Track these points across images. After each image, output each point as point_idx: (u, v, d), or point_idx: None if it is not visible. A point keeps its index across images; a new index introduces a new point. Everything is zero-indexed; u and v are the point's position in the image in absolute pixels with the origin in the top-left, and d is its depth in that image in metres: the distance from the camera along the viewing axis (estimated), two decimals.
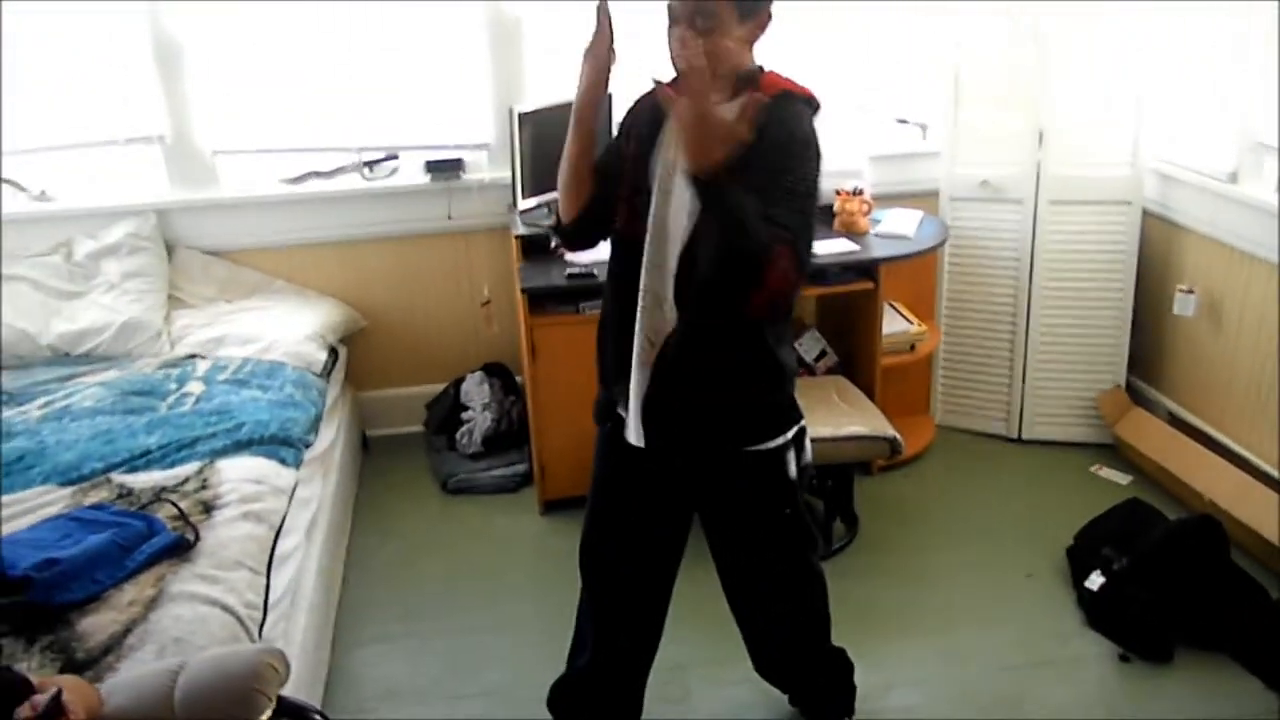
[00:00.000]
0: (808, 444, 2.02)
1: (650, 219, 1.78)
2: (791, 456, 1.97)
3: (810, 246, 1.74)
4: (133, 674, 1.74)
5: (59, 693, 1.41)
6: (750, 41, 1.79)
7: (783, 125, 1.74)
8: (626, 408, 1.89)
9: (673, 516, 2.08)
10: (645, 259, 1.79)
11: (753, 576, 2.14)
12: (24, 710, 1.38)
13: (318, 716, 1.79)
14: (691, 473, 1.98)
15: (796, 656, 2.28)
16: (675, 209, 1.76)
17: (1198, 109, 3.34)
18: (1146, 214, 3.46)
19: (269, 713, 1.61)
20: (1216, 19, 3.19)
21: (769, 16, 1.79)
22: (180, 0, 3.31)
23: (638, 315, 1.82)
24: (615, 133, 1.97)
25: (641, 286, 1.80)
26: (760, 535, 2.06)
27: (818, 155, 1.76)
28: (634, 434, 1.88)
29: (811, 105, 1.82)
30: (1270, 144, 3.01)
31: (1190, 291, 3.32)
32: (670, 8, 1.73)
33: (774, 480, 1.97)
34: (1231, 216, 3.17)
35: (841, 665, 2.33)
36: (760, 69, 1.83)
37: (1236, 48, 3.10)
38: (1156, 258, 3.52)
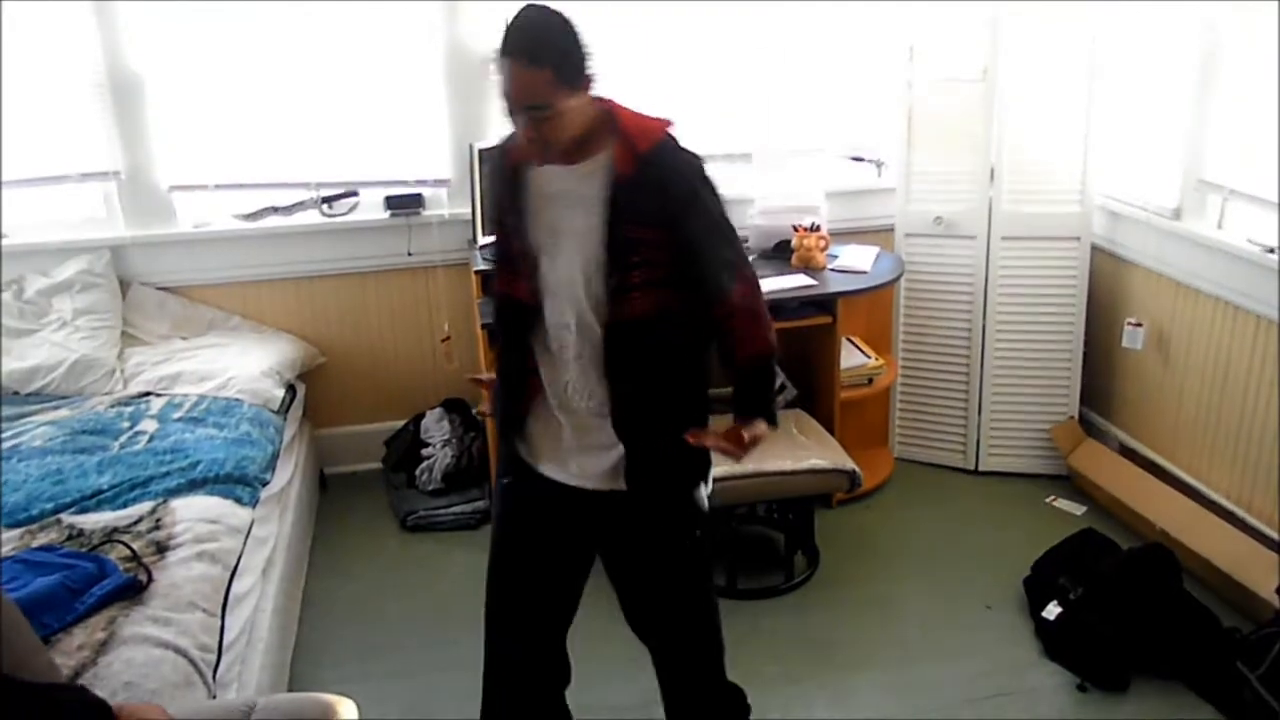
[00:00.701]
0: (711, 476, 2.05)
1: (542, 282, 1.83)
2: (702, 490, 2.00)
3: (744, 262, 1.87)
4: (202, 705, 1.73)
5: None
6: (588, 96, 1.74)
7: (680, 175, 1.79)
8: (532, 454, 1.94)
9: (579, 558, 2.07)
10: (548, 319, 1.84)
11: (660, 609, 2.11)
12: None
13: None
14: (605, 511, 1.97)
15: (697, 690, 2.23)
16: (566, 273, 1.80)
17: (1143, 147, 3.44)
18: (1095, 249, 3.54)
19: None
20: (1159, 59, 3.30)
21: (594, 78, 1.75)
22: (135, 29, 3.29)
23: (549, 367, 1.87)
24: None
25: (553, 343, 1.85)
26: (668, 569, 2.05)
27: (712, 182, 1.83)
28: (567, 475, 1.91)
29: (674, 140, 1.84)
30: (1213, 181, 3.10)
31: (1139, 325, 3.40)
32: (505, 98, 1.71)
33: (687, 514, 1.99)
34: (1176, 251, 3.26)
35: (738, 701, 2.23)
36: (610, 112, 1.79)
37: (1178, 87, 3.20)
38: (1106, 292, 3.60)
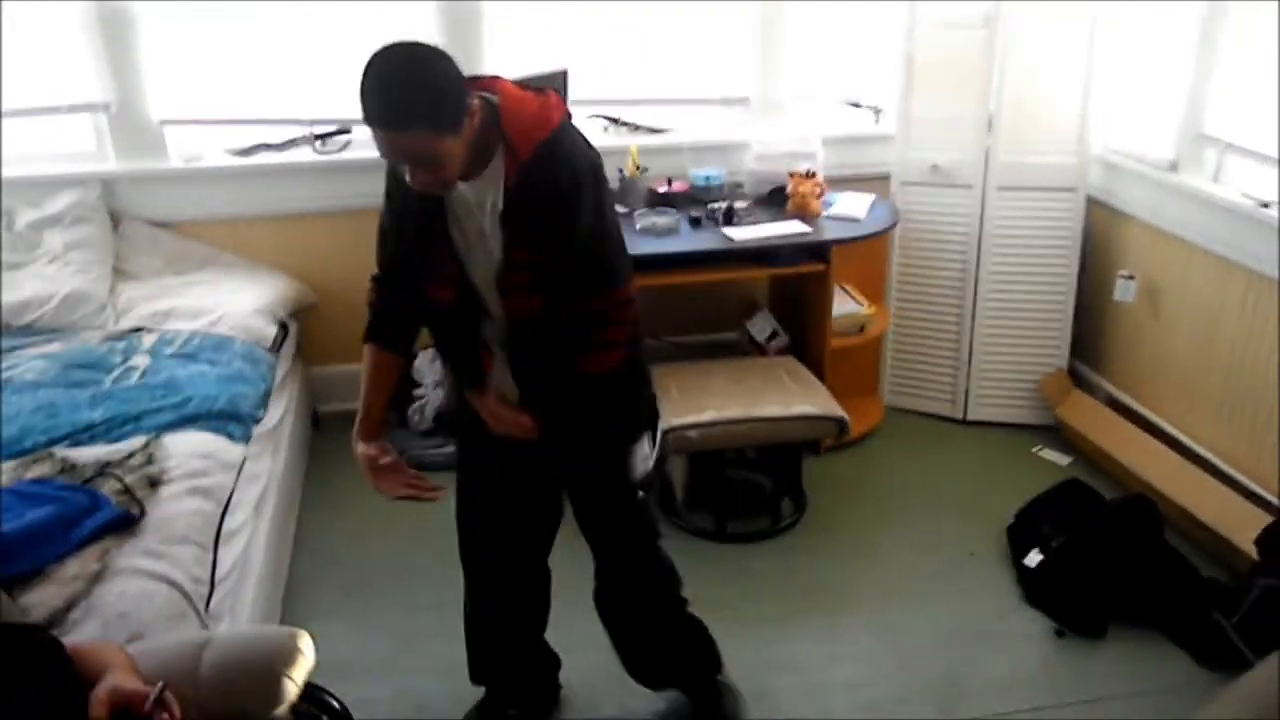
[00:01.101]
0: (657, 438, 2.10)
1: (473, 280, 1.85)
2: (639, 452, 2.03)
3: (621, 269, 1.87)
4: (158, 644, 1.73)
5: (163, 690, 1.37)
6: (473, 126, 1.67)
7: (556, 185, 1.72)
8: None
9: (545, 498, 2.17)
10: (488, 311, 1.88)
11: (604, 555, 2.19)
12: (99, 709, 1.34)
13: (335, 702, 1.77)
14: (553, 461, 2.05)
15: (651, 640, 2.30)
16: (483, 276, 1.83)
17: (1141, 99, 3.41)
18: (1091, 201, 3.54)
19: (295, 695, 1.60)
20: (1163, 10, 3.26)
21: (469, 101, 1.66)
22: None
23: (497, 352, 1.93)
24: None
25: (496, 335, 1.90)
26: (610, 520, 2.13)
27: (595, 182, 1.77)
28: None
29: (563, 131, 1.76)
30: (1211, 135, 3.09)
31: (1131, 277, 3.41)
32: (385, 157, 1.66)
33: (620, 479, 2.05)
34: (1171, 205, 3.25)
35: (696, 630, 2.32)
36: (496, 111, 1.73)
37: (1178, 39, 3.17)
38: (1099, 244, 3.60)
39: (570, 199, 1.73)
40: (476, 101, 1.68)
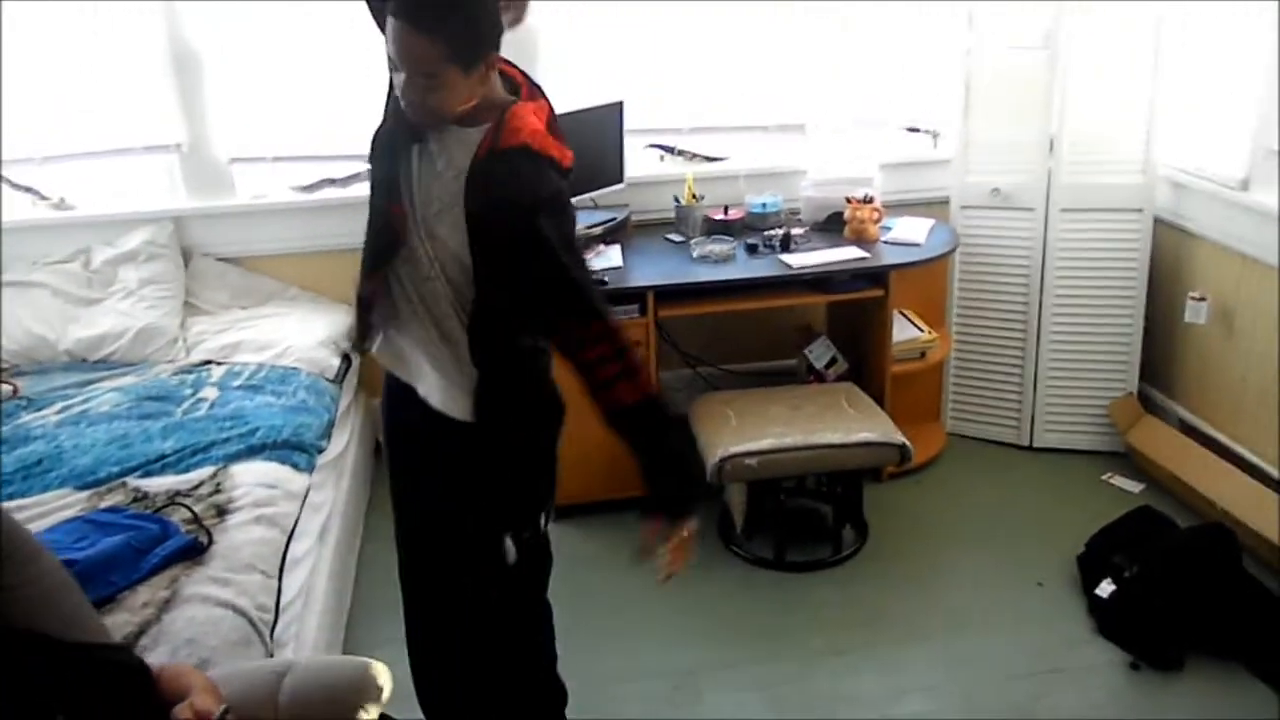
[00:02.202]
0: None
1: (420, 233, 1.77)
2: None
3: (594, 298, 1.73)
4: (240, 667, 1.77)
5: (226, 713, 1.40)
6: (485, 79, 1.65)
7: (507, 196, 1.65)
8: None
9: None
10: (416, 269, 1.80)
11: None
12: (185, 712, 1.37)
13: None
14: None
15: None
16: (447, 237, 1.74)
17: (1209, 116, 3.34)
18: (1158, 221, 3.46)
19: None
20: (1228, 24, 3.19)
21: (496, 50, 1.65)
22: (197, 4, 3.35)
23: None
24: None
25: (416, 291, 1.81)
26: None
27: (557, 210, 1.69)
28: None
29: (542, 161, 1.70)
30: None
31: (1202, 299, 3.32)
32: (389, 57, 1.60)
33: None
34: (1243, 224, 3.16)
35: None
36: (512, 102, 1.72)
37: (1247, 53, 3.10)
38: (1168, 265, 3.51)
39: (530, 211, 1.65)
40: (502, 65, 1.67)
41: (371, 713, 1.64)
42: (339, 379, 3.29)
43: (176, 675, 1.51)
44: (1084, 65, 3.30)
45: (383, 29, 1.63)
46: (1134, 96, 3.31)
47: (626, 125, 3.43)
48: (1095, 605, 2.79)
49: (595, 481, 3.10)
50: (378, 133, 1.83)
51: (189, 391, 2.99)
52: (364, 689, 1.64)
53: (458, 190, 1.69)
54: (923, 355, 3.51)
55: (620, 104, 3.34)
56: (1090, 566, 2.91)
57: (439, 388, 1.85)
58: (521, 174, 1.66)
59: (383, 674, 1.70)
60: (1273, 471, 3.12)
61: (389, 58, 1.60)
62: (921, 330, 3.54)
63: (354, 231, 3.59)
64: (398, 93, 1.64)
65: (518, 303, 1.73)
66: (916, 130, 3.83)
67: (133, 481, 2.48)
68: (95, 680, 1.42)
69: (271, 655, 2.04)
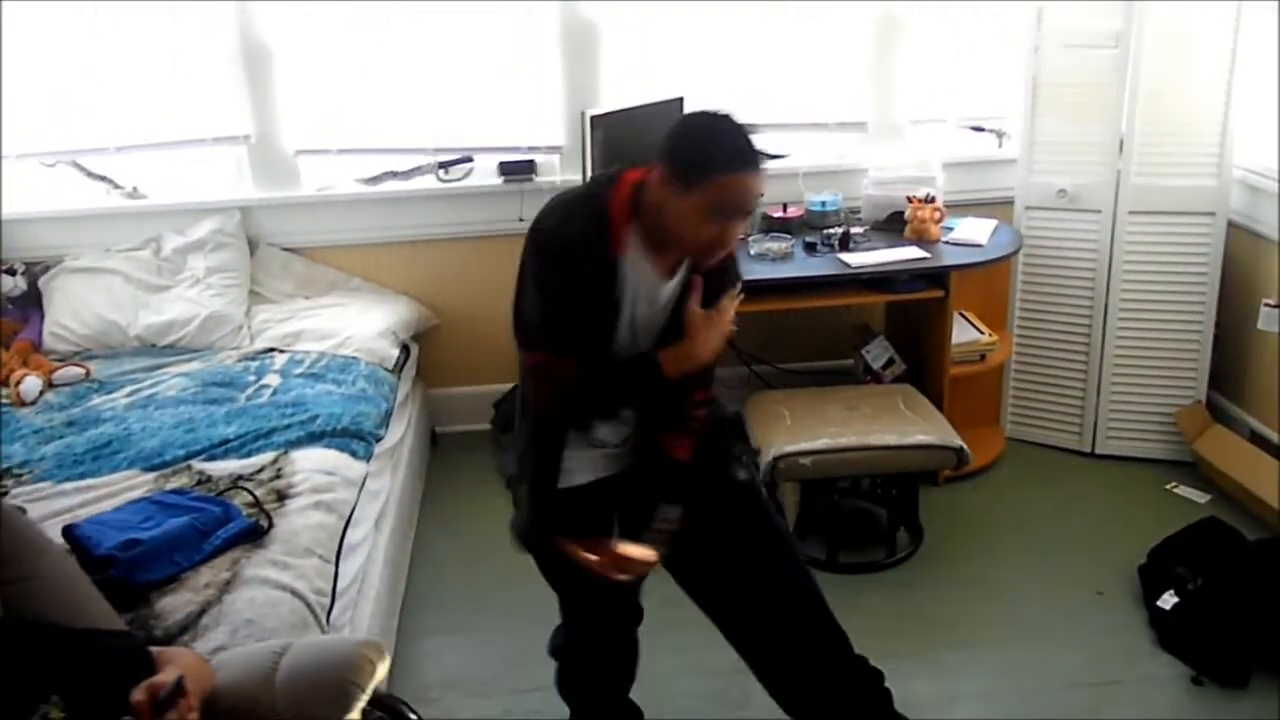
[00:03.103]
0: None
1: (626, 340, 1.83)
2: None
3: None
4: (242, 650, 1.81)
5: (180, 681, 1.43)
6: None
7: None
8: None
9: None
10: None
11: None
12: (139, 693, 1.40)
13: (411, 714, 1.81)
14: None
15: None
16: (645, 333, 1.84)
17: None
18: (1232, 225, 3.36)
19: (362, 704, 1.65)
20: None
21: None
22: (267, 3, 3.42)
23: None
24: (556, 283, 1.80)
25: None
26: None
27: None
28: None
29: None
30: None
31: (1276, 306, 3.22)
32: (731, 207, 1.66)
33: None
34: None
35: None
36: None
37: None
38: (1241, 270, 3.41)
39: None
40: None
41: (364, 687, 1.66)
42: (397, 369, 3.34)
43: (174, 657, 1.56)
44: (1156, 64, 3.22)
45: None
46: (1208, 97, 3.22)
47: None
48: (1157, 617, 2.73)
49: None
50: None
51: (252, 378, 3.05)
52: (358, 667, 1.66)
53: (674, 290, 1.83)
54: (982, 358, 3.46)
55: (680, 99, 3.34)
56: (1152, 577, 2.84)
57: None
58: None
59: (377, 653, 1.72)
60: None
61: (730, 210, 1.67)
62: (982, 332, 3.48)
63: (416, 224, 3.70)
64: (710, 241, 1.71)
65: None
66: (981, 129, 3.77)
67: (197, 464, 2.54)
68: (93, 664, 1.46)
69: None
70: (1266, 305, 3.24)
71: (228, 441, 2.65)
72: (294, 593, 2.07)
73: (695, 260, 1.77)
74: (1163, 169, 3.32)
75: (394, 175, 3.72)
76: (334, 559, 2.27)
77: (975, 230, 3.42)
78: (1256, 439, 3.40)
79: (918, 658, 2.67)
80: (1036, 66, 3.40)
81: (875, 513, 3.24)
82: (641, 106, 3.28)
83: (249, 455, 2.59)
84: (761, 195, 1.70)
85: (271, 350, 3.28)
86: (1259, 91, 3.24)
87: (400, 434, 3.17)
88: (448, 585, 3.05)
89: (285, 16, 3.46)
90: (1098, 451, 3.60)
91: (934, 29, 3.60)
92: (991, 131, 3.76)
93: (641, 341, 1.83)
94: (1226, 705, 2.49)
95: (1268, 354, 3.36)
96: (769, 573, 2.03)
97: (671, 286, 1.82)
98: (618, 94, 3.51)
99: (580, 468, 1.95)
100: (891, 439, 2.93)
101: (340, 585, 2.25)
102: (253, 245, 3.65)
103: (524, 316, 1.87)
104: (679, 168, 1.66)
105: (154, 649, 1.56)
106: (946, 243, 3.36)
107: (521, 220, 3.66)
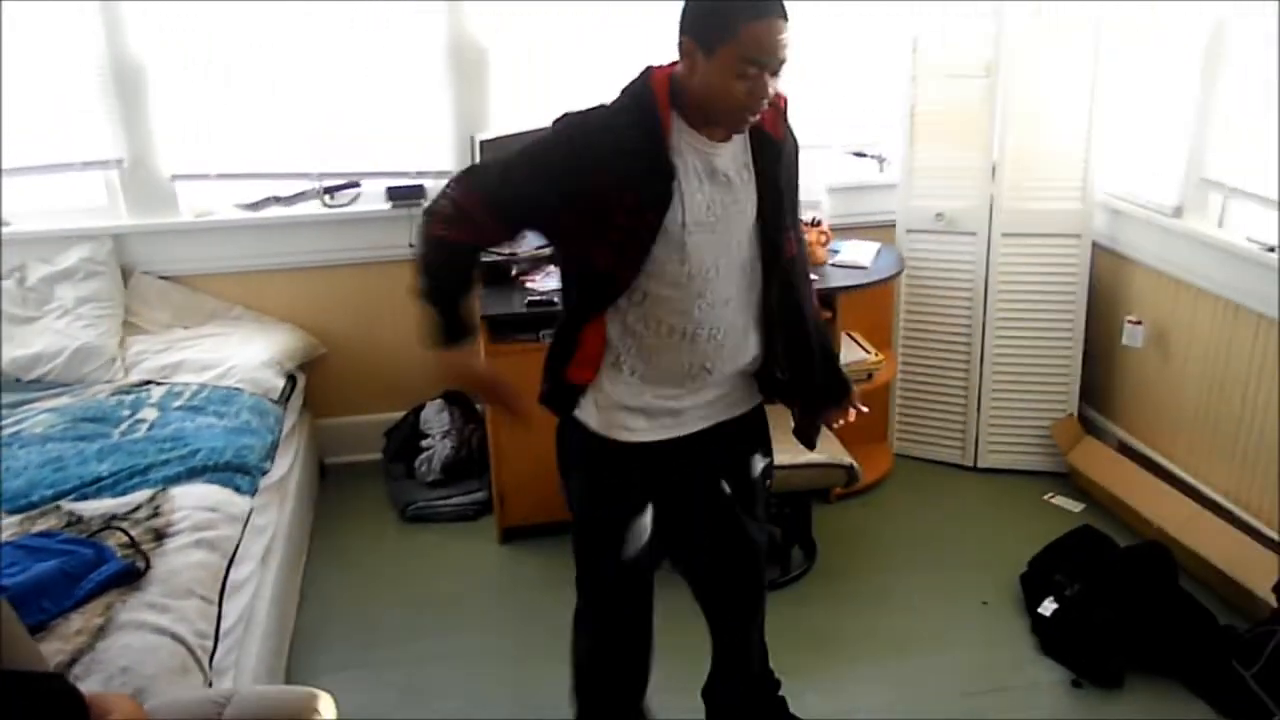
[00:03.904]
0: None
1: (695, 260, 1.80)
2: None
3: None
4: (179, 698, 1.73)
5: None
6: None
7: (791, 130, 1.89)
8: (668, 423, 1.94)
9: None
10: (703, 299, 1.82)
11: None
12: None
13: None
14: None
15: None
16: (726, 242, 1.83)
17: (1145, 144, 3.43)
18: (1096, 246, 3.54)
19: None
20: (1163, 55, 3.29)
21: None
22: (140, 20, 3.30)
23: (692, 348, 1.87)
24: (561, 163, 1.77)
25: (704, 327, 1.85)
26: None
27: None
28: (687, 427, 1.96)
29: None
30: (1214, 179, 3.10)
31: (1139, 323, 3.40)
32: (757, 58, 1.64)
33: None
34: (1177, 250, 3.25)
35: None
36: None
37: (1182, 84, 3.20)
38: (1106, 289, 3.60)
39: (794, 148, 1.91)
40: None
41: None
42: (283, 400, 3.25)
43: (108, 702, 1.48)
44: (1024, 94, 3.39)
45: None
46: (1072, 125, 3.39)
47: None
48: (1038, 624, 2.83)
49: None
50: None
51: (127, 412, 2.92)
52: (305, 717, 1.61)
53: (749, 178, 1.86)
54: (870, 377, 3.55)
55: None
56: (1033, 585, 2.95)
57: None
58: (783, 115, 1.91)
59: (326, 703, 1.67)
60: (1208, 492, 3.19)
61: (754, 60, 1.64)
62: (869, 352, 3.58)
63: (300, 250, 3.61)
64: (752, 96, 1.68)
65: None
66: (863, 155, 3.89)
67: (67, 505, 2.41)
68: (25, 709, 1.39)
69: (210, 683, 1.99)
70: (1130, 322, 3.42)
71: (100, 480, 2.52)
72: (174, 636, 1.98)
73: (736, 124, 1.75)
74: (1032, 193, 3.48)
75: (277, 200, 3.62)
76: (217, 599, 2.19)
77: (859, 253, 3.52)
78: (1125, 449, 3.57)
79: (812, 674, 2.71)
80: (914, 95, 3.54)
81: (769, 531, 3.28)
82: (532, 131, 3.27)
83: (124, 493, 2.48)
84: (786, 45, 1.65)
85: (148, 383, 3.15)
86: (1118, 120, 3.43)
87: (287, 466, 3.07)
88: (339, 621, 2.96)
89: (159, 34, 3.34)
90: (980, 465, 3.73)
91: (816, 57, 3.70)
92: (873, 157, 3.87)
93: (719, 216, 1.80)
94: (1105, 706, 2.60)
95: (1133, 368, 3.55)
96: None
97: (729, 154, 1.80)
98: (508, 117, 3.50)
99: (649, 426, 1.92)
100: (784, 458, 2.94)
101: (224, 626, 2.17)
102: (126, 274, 3.50)
103: (486, 165, 1.89)
104: (698, 35, 1.66)
105: (87, 693, 1.49)
106: (832, 265, 3.44)
107: (411, 246, 3.61)
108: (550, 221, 1.82)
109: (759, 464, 2.13)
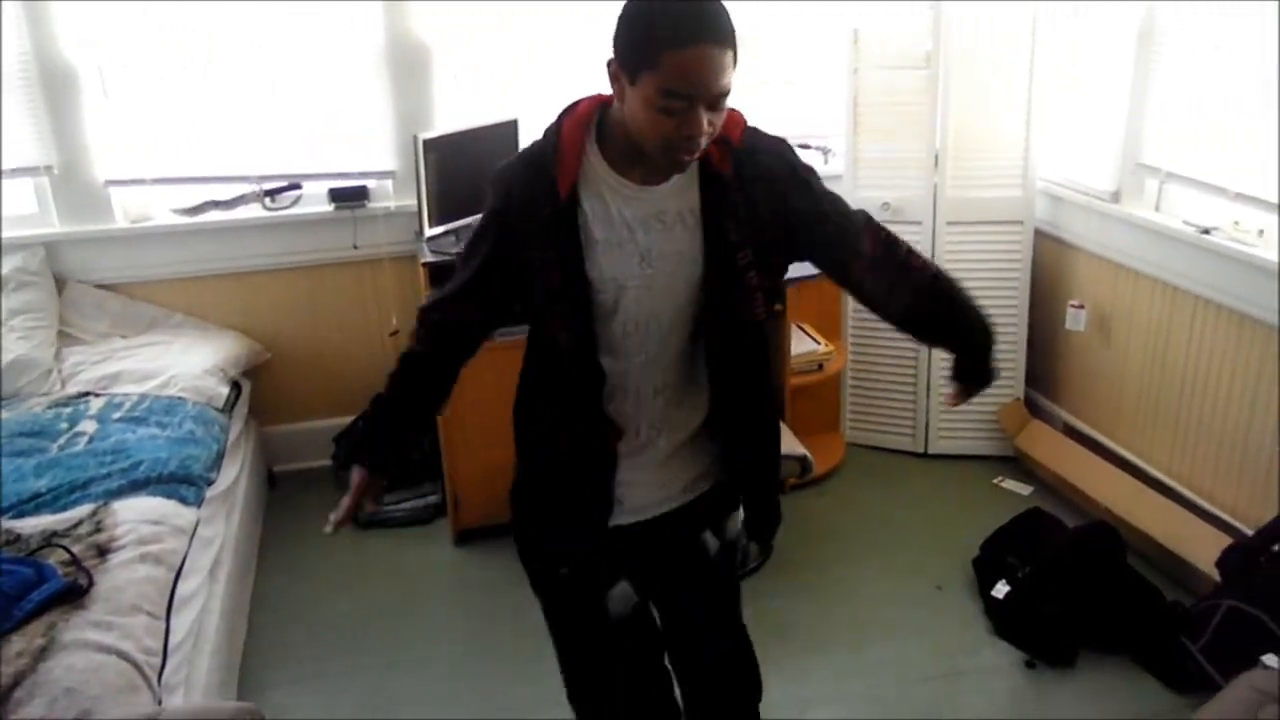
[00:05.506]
0: None
1: (632, 314, 1.56)
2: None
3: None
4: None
5: None
6: None
7: (778, 157, 1.65)
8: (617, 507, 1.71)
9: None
10: (638, 358, 1.59)
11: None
12: None
13: None
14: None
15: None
16: (668, 294, 1.56)
17: (1083, 131, 3.49)
18: (1038, 233, 3.60)
19: None
20: (1098, 43, 3.35)
21: None
22: (68, 17, 3.20)
23: (635, 408, 1.64)
24: (484, 230, 1.61)
25: (648, 385, 1.62)
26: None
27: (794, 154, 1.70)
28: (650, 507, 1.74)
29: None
30: (1151, 164, 3.16)
31: (1081, 307, 3.46)
32: (682, 90, 1.37)
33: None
34: (1116, 234, 3.31)
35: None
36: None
37: (1113, 71, 3.25)
38: (1049, 275, 3.65)
39: (792, 172, 1.66)
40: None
41: None
42: (228, 408, 3.18)
43: None
44: (964, 84, 3.42)
45: None
46: (1011, 113, 3.44)
47: (521, 143, 3.41)
48: (991, 606, 2.87)
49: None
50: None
51: (65, 425, 2.84)
52: None
53: (695, 225, 1.56)
54: (820, 367, 3.57)
55: (515, 121, 3.32)
56: (985, 569, 2.99)
57: None
58: (770, 142, 1.70)
59: (257, 717, 1.64)
60: (1151, 470, 3.26)
61: (685, 94, 1.37)
62: (819, 343, 3.60)
63: (241, 255, 3.54)
64: (677, 140, 1.42)
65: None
66: (808, 147, 3.90)
67: (4, 523, 2.34)
68: None
69: (160, 701, 1.94)
70: (1072, 306, 3.48)
71: (39, 495, 2.45)
72: (120, 654, 1.93)
73: (670, 164, 1.47)
74: (974, 181, 3.52)
75: (216, 205, 3.54)
76: (164, 614, 2.14)
77: None
78: (1070, 431, 3.64)
79: (771, 664, 2.69)
80: (855, 87, 3.56)
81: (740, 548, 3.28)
82: (476, 129, 3.25)
83: (64, 509, 2.41)
84: (723, 73, 1.37)
85: (86, 394, 3.06)
86: (1057, 105, 3.48)
87: (234, 476, 3.01)
88: (292, 632, 2.91)
89: (88, 34, 3.24)
90: (930, 451, 3.77)
91: (759, 49, 3.71)
92: (818, 149, 3.89)
93: (657, 269, 1.53)
94: (1058, 684, 2.65)
95: (1076, 352, 3.61)
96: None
97: (671, 194, 1.53)
98: (451, 117, 3.46)
99: (644, 500, 1.71)
100: None
101: (173, 642, 2.12)
102: (60, 283, 3.40)
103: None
104: (622, 59, 1.40)
105: None
106: None
107: (356, 248, 3.57)
108: (502, 287, 1.63)
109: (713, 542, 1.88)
